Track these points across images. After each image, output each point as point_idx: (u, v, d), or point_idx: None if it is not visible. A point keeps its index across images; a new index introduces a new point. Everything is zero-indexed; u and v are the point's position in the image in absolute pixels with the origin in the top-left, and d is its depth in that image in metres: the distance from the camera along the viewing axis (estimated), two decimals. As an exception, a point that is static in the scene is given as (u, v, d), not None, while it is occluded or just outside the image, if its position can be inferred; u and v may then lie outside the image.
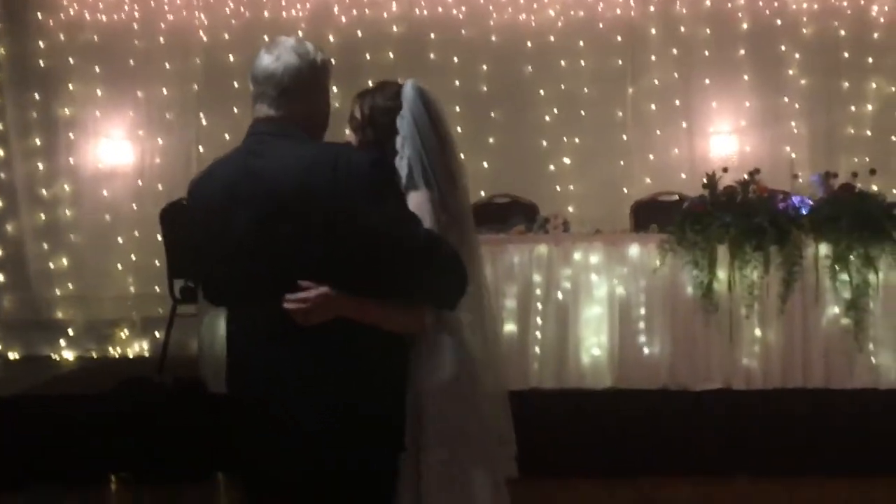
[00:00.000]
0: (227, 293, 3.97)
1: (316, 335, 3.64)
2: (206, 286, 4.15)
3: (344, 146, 3.84)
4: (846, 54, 12.55)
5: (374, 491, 3.79)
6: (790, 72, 12.52)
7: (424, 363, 3.92)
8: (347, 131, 4.31)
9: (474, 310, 4.12)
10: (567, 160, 12.49)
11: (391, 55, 12.49)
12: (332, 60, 4.07)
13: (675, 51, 12.57)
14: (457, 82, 12.15)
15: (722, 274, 8.61)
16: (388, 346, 3.79)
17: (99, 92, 12.53)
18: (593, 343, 8.80)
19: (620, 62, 12.63)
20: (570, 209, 11.85)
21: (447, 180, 4.08)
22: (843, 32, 12.54)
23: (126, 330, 12.11)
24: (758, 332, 8.64)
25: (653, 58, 12.58)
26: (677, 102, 12.53)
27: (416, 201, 3.94)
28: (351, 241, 3.61)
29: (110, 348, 12.10)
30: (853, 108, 12.50)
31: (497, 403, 4.20)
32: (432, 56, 12.52)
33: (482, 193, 11.17)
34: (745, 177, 9.01)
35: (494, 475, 4.06)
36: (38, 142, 12.44)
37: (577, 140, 12.47)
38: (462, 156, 4.33)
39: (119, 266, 12.39)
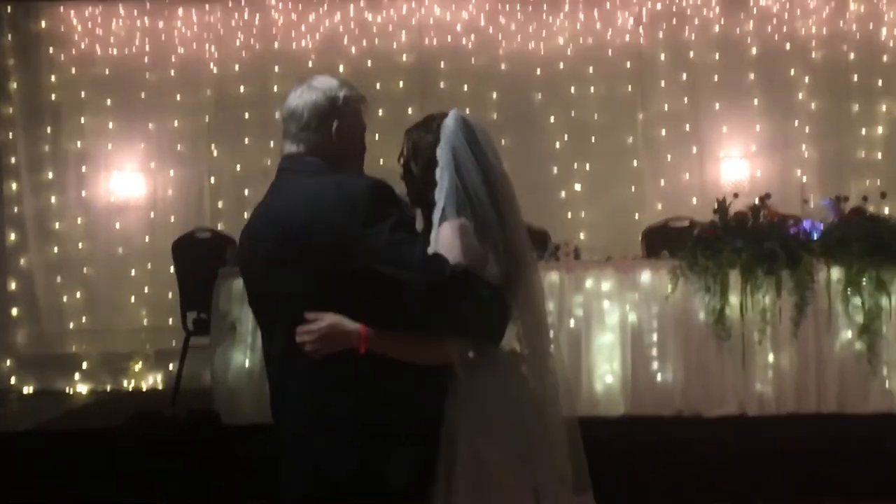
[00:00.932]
0: (259, 326, 4.07)
1: (325, 365, 3.70)
2: None
3: (350, 176, 3.85)
4: (855, 77, 12.55)
5: None
6: (800, 96, 12.53)
7: (459, 398, 3.85)
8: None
9: (533, 343, 4.05)
10: (578, 187, 12.52)
11: (401, 84, 12.56)
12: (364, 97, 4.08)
13: (684, 76, 12.60)
14: (467, 110, 12.10)
15: (734, 299, 8.60)
16: (407, 379, 3.76)
17: (111, 125, 12.60)
18: (606, 370, 8.78)
19: (630, 88, 12.66)
20: (582, 236, 11.88)
21: (491, 211, 3.96)
22: (852, 56, 12.55)
23: (140, 362, 12.12)
24: (771, 357, 8.62)
25: (662, 83, 12.62)
26: (687, 128, 12.55)
27: (445, 233, 3.88)
28: (348, 270, 3.66)
29: (124, 381, 12.10)
30: (863, 131, 12.50)
31: (560, 439, 4.04)
32: (442, 85, 12.58)
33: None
34: (756, 201, 9.00)
35: None
36: (50, 175, 12.51)
37: (587, 167, 12.51)
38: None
39: (132, 299, 12.43)
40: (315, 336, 3.67)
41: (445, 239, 3.85)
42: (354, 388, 3.72)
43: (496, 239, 3.94)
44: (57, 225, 12.47)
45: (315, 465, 3.78)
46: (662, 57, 12.64)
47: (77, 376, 12.08)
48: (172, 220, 12.37)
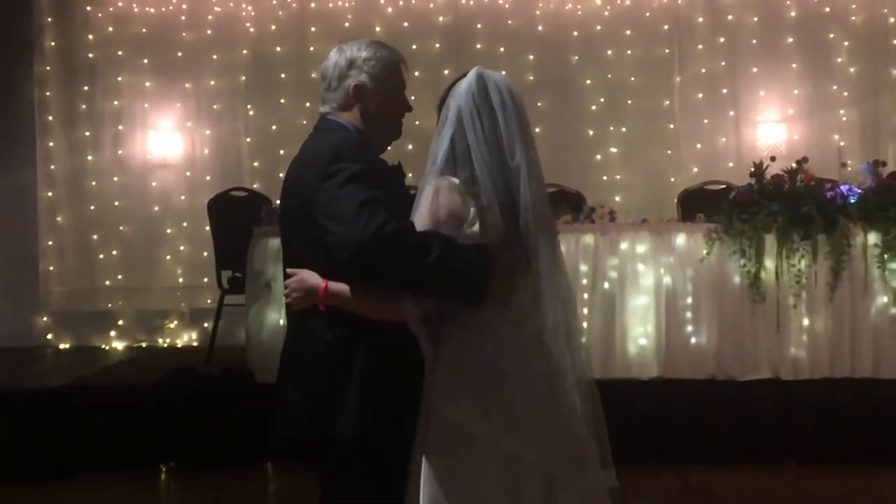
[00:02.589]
0: None
1: (295, 318, 3.95)
2: None
3: (335, 136, 3.93)
4: (895, 42, 12.43)
5: (363, 473, 3.84)
6: (839, 59, 12.43)
7: (432, 360, 3.82)
8: None
9: (549, 307, 3.97)
10: (614, 149, 12.48)
11: (437, 45, 12.53)
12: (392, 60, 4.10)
13: (722, 39, 12.52)
14: (503, 72, 12.03)
15: (769, 263, 8.56)
16: (375, 334, 3.77)
17: (147, 84, 12.62)
18: (640, 333, 8.78)
19: (667, 51, 12.60)
20: (617, 198, 11.83)
21: (486, 173, 3.84)
22: (892, 20, 12.44)
23: (175, 320, 12.21)
24: (805, 321, 8.58)
25: (700, 46, 12.54)
26: (724, 91, 12.49)
27: (425, 192, 3.85)
28: (313, 227, 3.73)
29: (159, 338, 12.21)
30: (902, 95, 12.40)
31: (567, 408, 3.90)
32: (478, 46, 12.53)
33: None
34: (793, 165, 8.94)
35: (519, 478, 3.79)
36: (87, 134, 12.55)
37: (623, 129, 12.47)
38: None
39: (168, 257, 12.50)
40: (288, 290, 3.88)
41: (423, 198, 3.85)
42: (315, 343, 3.86)
43: (492, 200, 3.83)
44: (93, 183, 12.53)
45: (289, 418, 3.94)
46: (700, 19, 12.56)
47: (113, 333, 12.20)
48: (208, 179, 12.43)
